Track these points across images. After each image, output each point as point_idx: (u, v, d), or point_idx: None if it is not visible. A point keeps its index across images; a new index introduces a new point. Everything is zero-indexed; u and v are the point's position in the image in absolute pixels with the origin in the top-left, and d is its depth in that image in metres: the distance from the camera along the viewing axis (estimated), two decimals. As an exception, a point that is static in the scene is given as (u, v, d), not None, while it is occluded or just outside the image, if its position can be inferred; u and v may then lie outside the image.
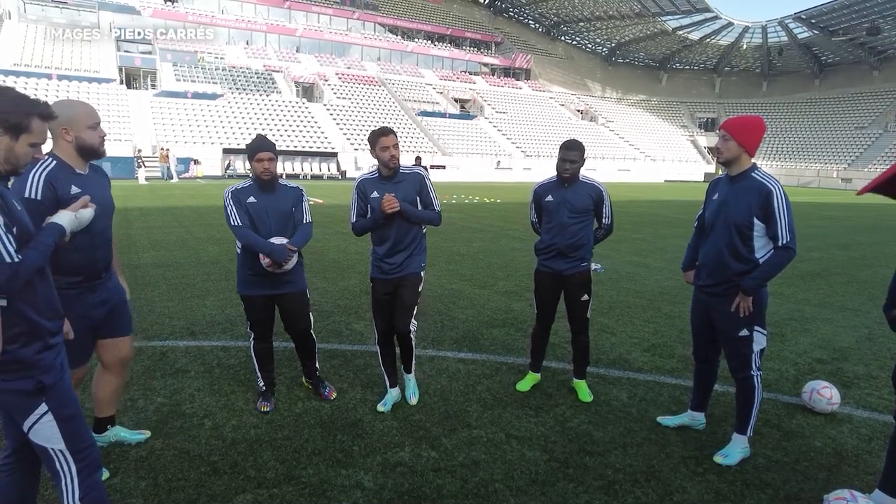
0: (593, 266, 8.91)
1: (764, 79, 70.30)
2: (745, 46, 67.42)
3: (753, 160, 3.24)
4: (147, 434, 3.32)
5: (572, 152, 3.82)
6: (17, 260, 1.82)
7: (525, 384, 4.24)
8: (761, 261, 3.15)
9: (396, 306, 3.79)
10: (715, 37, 66.53)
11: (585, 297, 4.01)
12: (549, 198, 3.96)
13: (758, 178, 3.15)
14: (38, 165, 2.63)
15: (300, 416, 3.68)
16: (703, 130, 65.19)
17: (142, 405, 3.77)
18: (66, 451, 2.06)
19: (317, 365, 4.04)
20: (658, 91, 72.05)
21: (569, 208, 3.89)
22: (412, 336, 3.85)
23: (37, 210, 2.42)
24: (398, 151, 3.65)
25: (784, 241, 3.07)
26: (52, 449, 2.05)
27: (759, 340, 3.24)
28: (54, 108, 2.63)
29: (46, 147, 2.38)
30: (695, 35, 66.43)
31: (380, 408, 3.81)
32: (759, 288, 3.15)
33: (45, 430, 2.02)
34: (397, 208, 3.59)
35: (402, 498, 2.83)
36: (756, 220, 3.12)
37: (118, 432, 3.25)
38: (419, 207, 3.77)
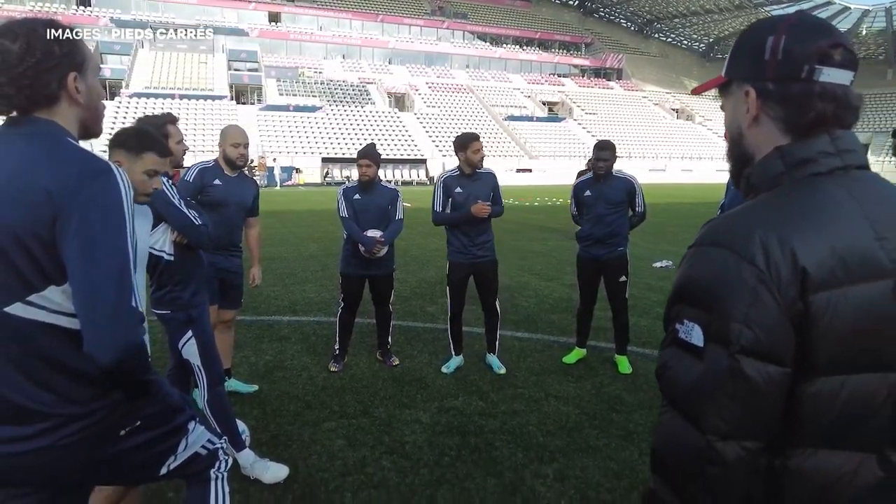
0: (662, 263, 9.20)
1: (889, 66, 63.99)
2: (864, 32, 61.86)
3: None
4: (255, 388, 4.15)
5: (604, 152, 4.37)
6: (201, 223, 2.75)
7: (571, 357, 4.77)
8: None
9: (486, 289, 4.47)
10: (828, 24, 61.58)
11: (623, 278, 4.50)
12: (588, 193, 4.50)
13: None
14: (201, 162, 3.86)
15: (377, 372, 4.48)
16: (814, 125, 60.35)
17: (253, 361, 4.73)
18: (202, 366, 2.88)
19: (389, 339, 4.77)
20: (762, 85, 67.71)
21: (605, 201, 4.41)
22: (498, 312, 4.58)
23: (187, 189, 3.56)
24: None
25: None
26: (193, 363, 2.90)
27: None
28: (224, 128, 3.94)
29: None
30: (804, 24, 61.84)
31: (444, 369, 4.51)
32: None
33: (189, 349, 2.87)
34: (486, 214, 4.27)
35: (451, 431, 3.51)
36: None
37: (233, 384, 4.13)
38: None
